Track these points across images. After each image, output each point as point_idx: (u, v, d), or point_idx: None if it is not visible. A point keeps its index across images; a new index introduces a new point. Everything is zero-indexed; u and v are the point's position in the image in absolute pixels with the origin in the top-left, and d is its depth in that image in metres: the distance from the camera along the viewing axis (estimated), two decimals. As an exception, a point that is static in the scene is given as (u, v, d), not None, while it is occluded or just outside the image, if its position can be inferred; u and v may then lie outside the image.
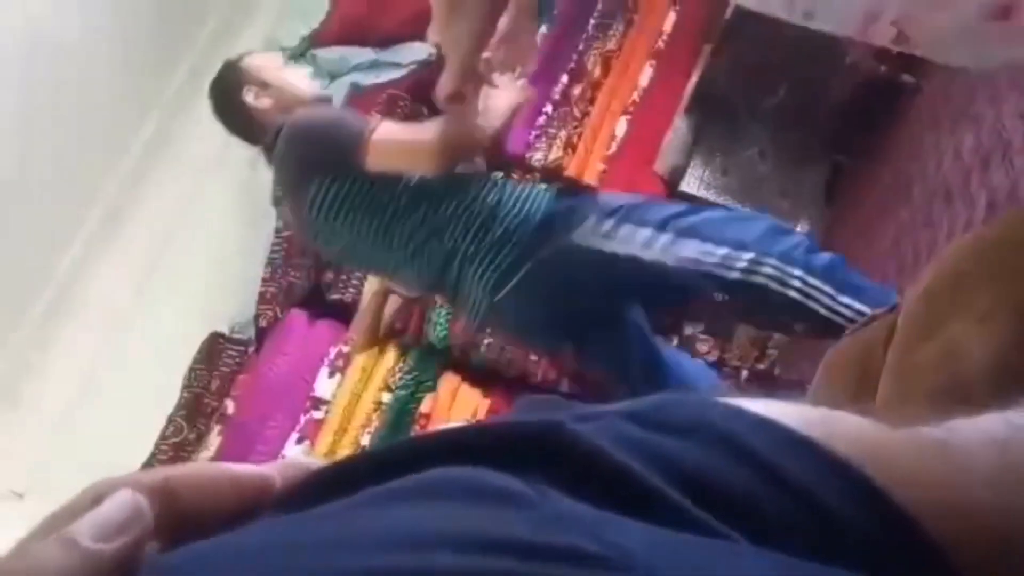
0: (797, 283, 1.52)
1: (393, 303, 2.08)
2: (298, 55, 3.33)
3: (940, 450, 0.31)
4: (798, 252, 1.57)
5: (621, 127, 3.02)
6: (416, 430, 2.57)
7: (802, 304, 1.51)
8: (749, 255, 1.54)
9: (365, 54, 3.21)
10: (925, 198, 2.12)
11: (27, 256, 2.74)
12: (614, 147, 2.99)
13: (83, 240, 2.92)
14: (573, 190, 1.88)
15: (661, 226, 1.59)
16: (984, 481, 0.30)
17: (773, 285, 1.52)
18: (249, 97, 1.74)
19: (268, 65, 1.80)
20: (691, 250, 1.56)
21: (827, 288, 1.51)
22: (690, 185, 2.91)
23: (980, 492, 0.30)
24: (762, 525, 0.25)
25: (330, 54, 3.21)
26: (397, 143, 1.60)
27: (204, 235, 3.01)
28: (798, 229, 2.86)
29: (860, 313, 1.45)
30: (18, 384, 2.76)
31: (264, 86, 1.75)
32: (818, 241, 2.86)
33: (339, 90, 3.16)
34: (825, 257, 1.60)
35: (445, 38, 1.36)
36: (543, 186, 1.88)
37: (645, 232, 1.58)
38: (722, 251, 1.55)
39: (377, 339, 2.18)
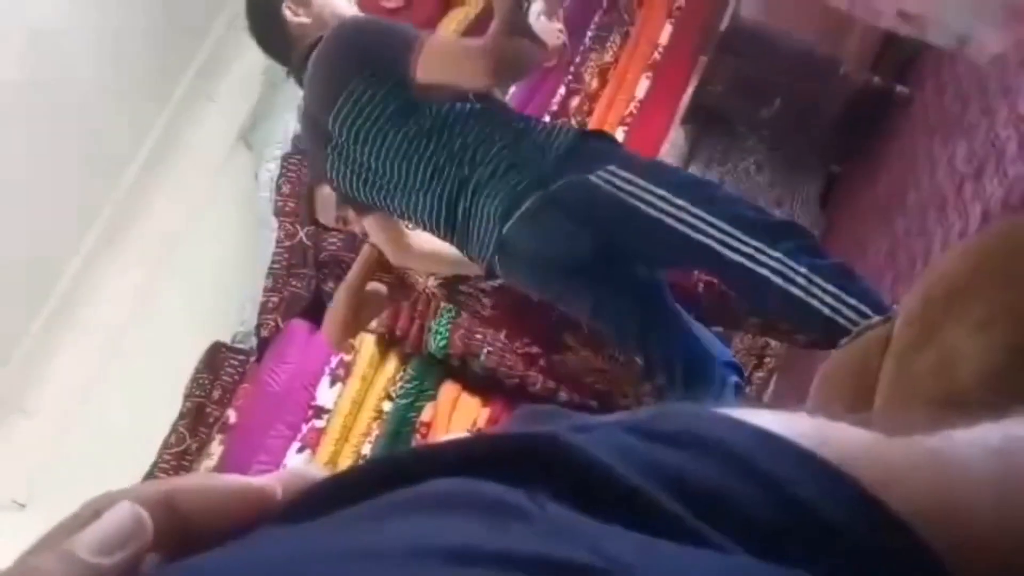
0: (801, 280, 1.47)
1: (370, 294, 1.99)
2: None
3: (936, 459, 0.31)
4: (807, 250, 1.53)
5: (618, 138, 3.04)
6: (417, 439, 2.58)
7: (805, 302, 1.47)
8: (756, 243, 1.50)
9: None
10: (919, 207, 2.14)
11: (30, 266, 2.75)
12: (612, 157, 3.01)
13: (86, 251, 2.92)
14: (599, 135, 1.81)
15: (678, 190, 1.56)
16: (981, 490, 0.30)
17: (776, 279, 1.49)
18: (288, 13, 1.71)
19: None
20: (700, 220, 1.53)
21: (831, 288, 1.47)
22: (687, 195, 2.93)
23: (976, 501, 0.30)
24: (759, 536, 0.25)
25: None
26: (453, 46, 1.56)
27: (206, 245, 3.02)
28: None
29: (863, 315, 1.42)
30: (21, 394, 2.76)
31: (304, 3, 1.72)
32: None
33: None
34: (832, 259, 1.57)
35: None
36: (569, 125, 1.80)
37: (660, 191, 1.56)
38: (730, 229, 1.51)
39: (355, 329, 2.09)
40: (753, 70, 2.77)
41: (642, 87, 3.11)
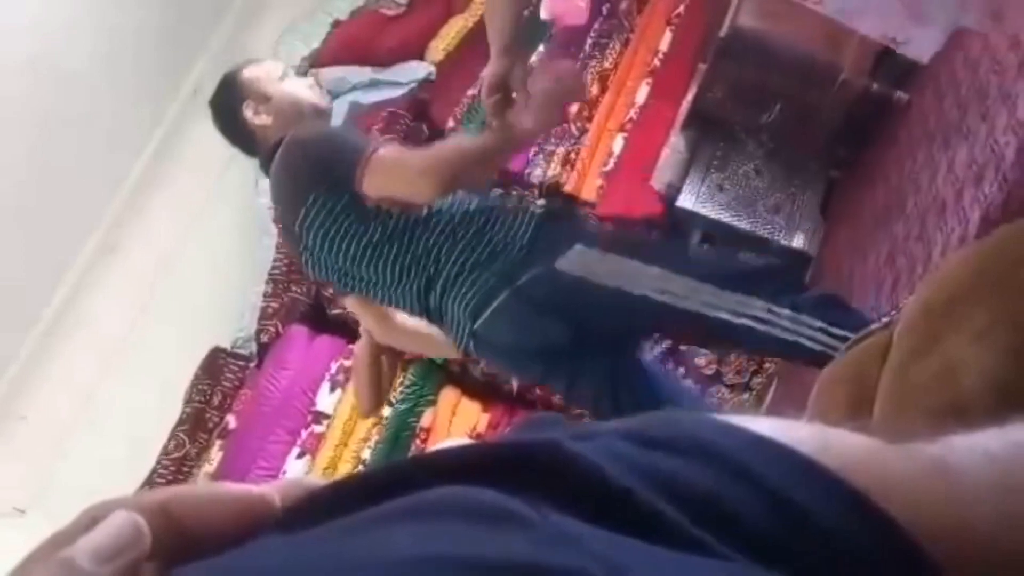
0: (787, 323, 1.46)
1: (388, 360, 1.99)
2: (299, 75, 3.35)
3: (937, 467, 0.31)
4: (787, 289, 1.52)
5: (618, 144, 3.04)
6: (416, 444, 2.58)
7: (793, 343, 1.46)
8: (736, 296, 1.49)
9: (365, 73, 3.23)
10: (919, 213, 2.14)
11: (29, 273, 2.75)
12: (611, 163, 3.01)
13: (87, 256, 2.93)
14: (563, 213, 1.77)
15: (649, 259, 1.53)
16: (982, 498, 0.30)
17: (762, 327, 1.48)
18: (248, 113, 1.70)
19: (268, 76, 1.73)
20: (678, 286, 1.51)
21: (818, 323, 1.46)
22: (686, 201, 2.93)
23: (978, 509, 0.30)
24: (756, 542, 0.25)
25: (331, 74, 3.23)
26: (398, 166, 1.52)
27: (206, 251, 3.02)
28: (794, 244, 2.89)
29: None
30: (20, 400, 2.76)
31: (264, 100, 1.70)
32: (813, 255, 2.88)
33: (339, 109, 3.19)
34: (815, 293, 1.56)
35: (489, 26, 1.41)
36: (531, 208, 1.76)
37: (633, 264, 1.53)
38: (708, 288, 1.50)
39: (383, 398, 2.06)
40: (752, 76, 2.77)
41: (642, 93, 3.12)
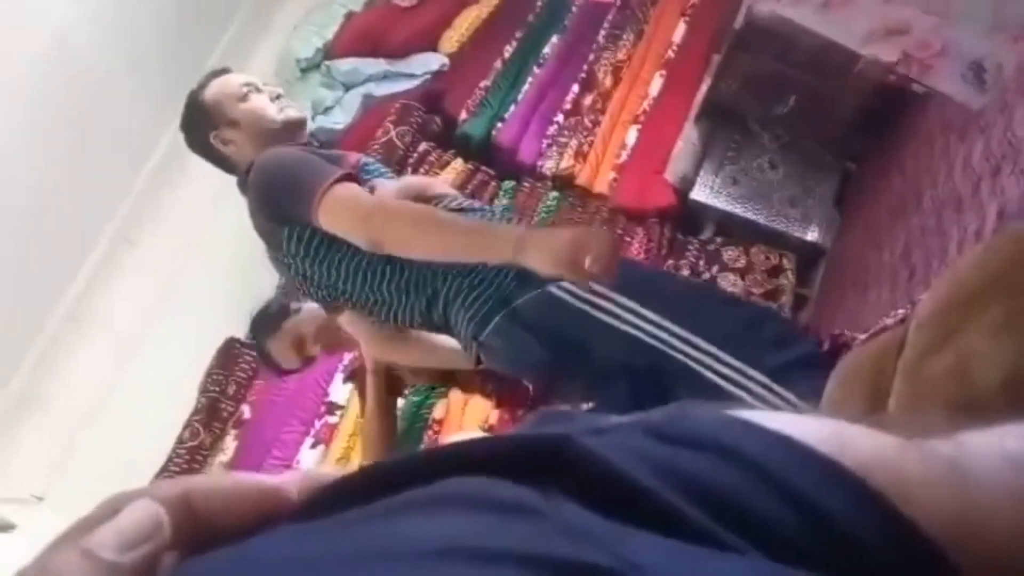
0: (759, 389, 1.40)
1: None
2: (312, 66, 3.36)
3: (953, 468, 0.31)
4: (776, 344, 1.44)
5: (631, 136, 3.03)
6: (429, 435, 2.59)
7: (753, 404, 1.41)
8: (738, 363, 1.41)
9: (378, 65, 3.24)
10: (935, 206, 2.13)
11: (50, 264, 2.77)
12: (624, 156, 3.01)
13: (105, 245, 2.95)
14: None
15: (646, 302, 1.46)
16: (999, 499, 0.30)
17: (748, 397, 1.41)
18: (216, 142, 1.65)
19: (229, 97, 1.65)
20: (674, 337, 1.44)
21: (791, 397, 1.38)
22: (700, 193, 2.92)
23: (994, 511, 0.30)
24: (776, 542, 0.25)
25: (344, 65, 3.24)
26: (345, 210, 1.45)
27: (223, 241, 3.03)
28: (808, 237, 2.88)
29: None
30: (39, 389, 2.78)
31: (232, 124, 1.64)
32: (828, 248, 2.87)
33: (352, 100, 3.19)
34: (798, 351, 1.45)
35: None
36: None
37: (628, 302, 1.47)
38: (711, 348, 1.43)
39: (392, 406, 2.08)
40: (767, 68, 2.75)
41: (656, 85, 3.11)
